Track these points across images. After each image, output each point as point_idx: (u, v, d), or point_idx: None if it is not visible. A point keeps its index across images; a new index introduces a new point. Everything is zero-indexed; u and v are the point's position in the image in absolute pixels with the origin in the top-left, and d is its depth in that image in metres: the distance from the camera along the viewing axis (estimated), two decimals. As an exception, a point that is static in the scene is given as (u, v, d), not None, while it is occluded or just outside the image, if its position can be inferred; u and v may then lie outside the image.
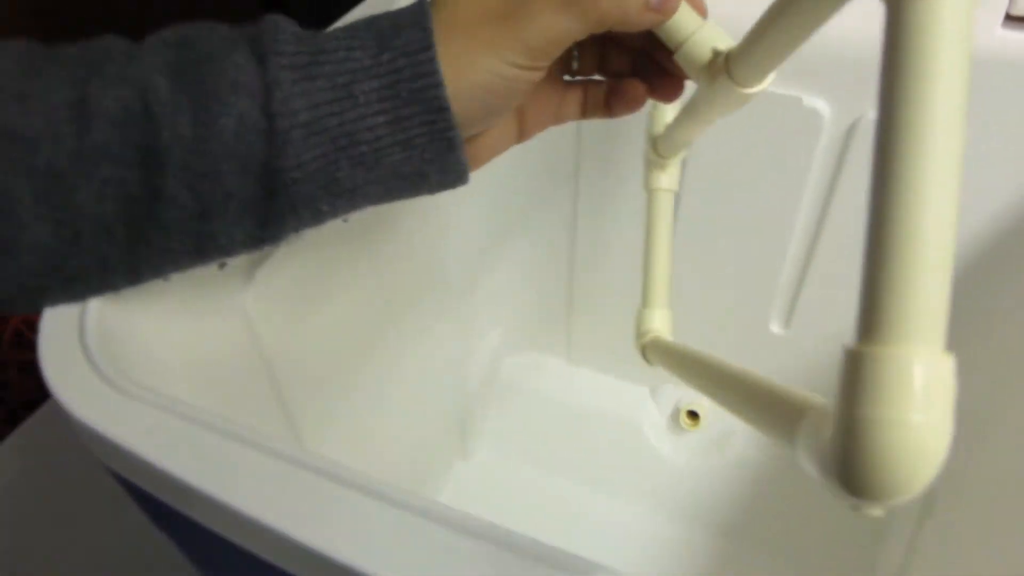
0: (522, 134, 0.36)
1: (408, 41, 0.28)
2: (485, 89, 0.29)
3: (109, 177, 0.27)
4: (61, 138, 0.27)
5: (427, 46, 0.28)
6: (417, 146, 0.29)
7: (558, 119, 0.37)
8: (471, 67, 0.29)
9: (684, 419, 0.74)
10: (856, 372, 0.18)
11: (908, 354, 0.17)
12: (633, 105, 0.37)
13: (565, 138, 0.63)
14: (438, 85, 0.28)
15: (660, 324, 0.47)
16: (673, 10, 0.31)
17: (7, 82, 0.27)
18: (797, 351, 0.65)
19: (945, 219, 0.17)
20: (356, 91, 0.28)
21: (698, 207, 0.61)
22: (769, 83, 0.32)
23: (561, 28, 0.29)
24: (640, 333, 0.48)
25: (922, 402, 0.17)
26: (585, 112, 0.38)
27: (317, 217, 0.30)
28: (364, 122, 0.28)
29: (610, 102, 0.37)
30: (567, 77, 0.37)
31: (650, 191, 0.48)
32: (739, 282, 0.64)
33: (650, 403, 0.78)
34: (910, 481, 0.17)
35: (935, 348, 0.17)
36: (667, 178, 0.47)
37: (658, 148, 0.46)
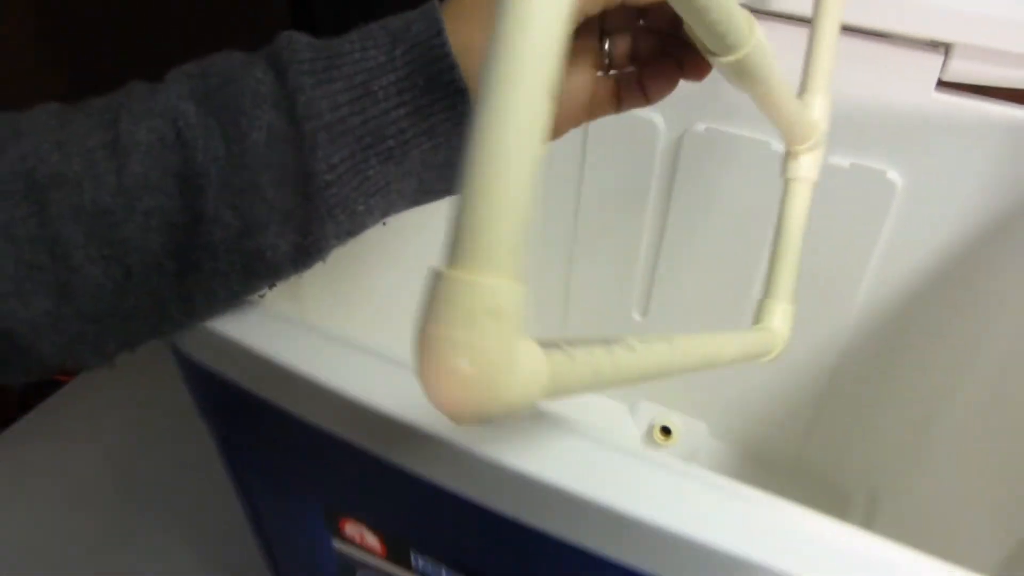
0: (555, 130, 0.35)
1: (419, 32, 0.29)
2: None
3: (152, 207, 0.28)
4: (102, 175, 0.28)
5: (437, 32, 0.29)
6: (441, 132, 0.30)
7: (592, 114, 0.37)
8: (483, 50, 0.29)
9: (657, 435, 0.79)
10: (427, 290, 0.18)
11: (466, 277, 0.18)
12: (667, 86, 0.36)
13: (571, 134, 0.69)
14: (452, 68, 0.29)
15: (781, 320, 0.42)
16: None
17: (45, 134, 0.28)
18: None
19: (510, 176, 0.18)
20: (375, 87, 0.29)
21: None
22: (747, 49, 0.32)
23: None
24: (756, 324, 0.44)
25: (465, 320, 0.18)
26: (620, 104, 0.37)
27: (354, 219, 0.30)
28: (387, 116, 0.29)
29: (646, 87, 0.36)
30: (601, 73, 0.37)
31: (783, 180, 0.45)
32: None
33: (629, 419, 0.83)
34: (465, 398, 0.18)
35: (496, 276, 0.18)
36: (795, 166, 0.43)
37: (785, 137, 0.43)
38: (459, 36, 0.29)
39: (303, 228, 0.30)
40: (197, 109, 0.28)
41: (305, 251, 0.31)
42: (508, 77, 0.17)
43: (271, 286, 0.32)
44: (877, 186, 0.55)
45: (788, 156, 0.43)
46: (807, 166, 0.42)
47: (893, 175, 0.54)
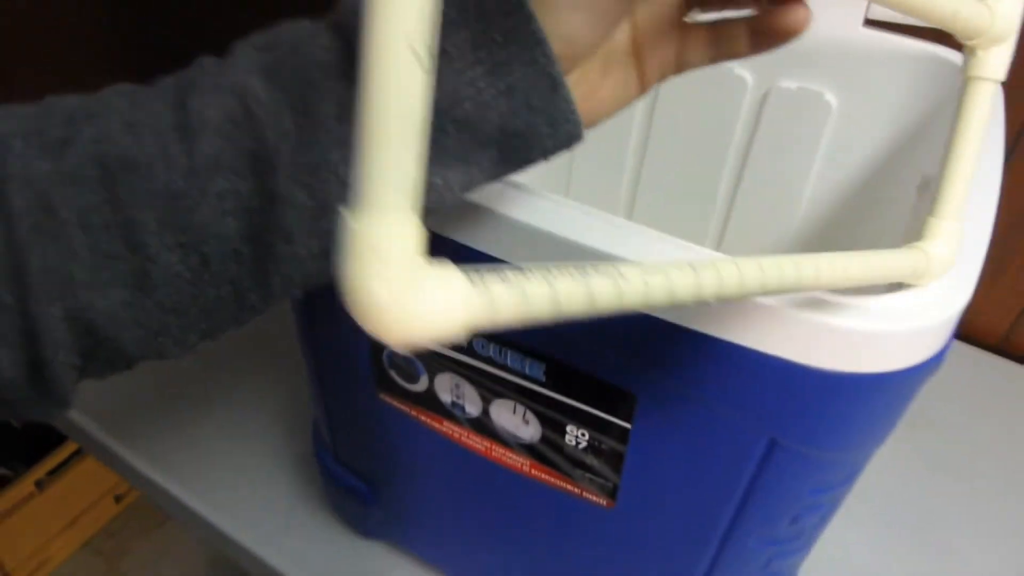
0: (642, 85, 0.33)
1: None
2: (569, 24, 0.27)
3: (225, 190, 0.27)
4: (173, 157, 0.27)
5: None
6: (520, 90, 0.27)
7: (681, 65, 0.34)
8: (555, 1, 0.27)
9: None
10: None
11: (364, 223, 0.18)
12: (792, 30, 0.32)
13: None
14: (531, 20, 0.26)
15: (945, 243, 0.33)
16: None
17: (116, 116, 0.27)
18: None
19: (395, 111, 0.17)
20: (448, 47, 0.26)
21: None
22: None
23: None
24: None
25: (360, 258, 0.18)
26: (717, 55, 0.34)
27: (431, 194, 0.28)
28: (462, 76, 0.27)
29: (758, 33, 0.33)
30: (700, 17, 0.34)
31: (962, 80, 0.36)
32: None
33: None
34: (378, 331, 0.18)
35: (379, 217, 0.18)
36: (973, 63, 0.34)
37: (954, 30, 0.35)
38: None
39: None
40: (265, 84, 0.27)
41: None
42: (376, 36, 0.17)
43: None
44: (817, 106, 0.65)
45: (965, 51, 0.35)
46: (985, 64, 0.34)
47: (830, 97, 0.65)
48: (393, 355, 0.47)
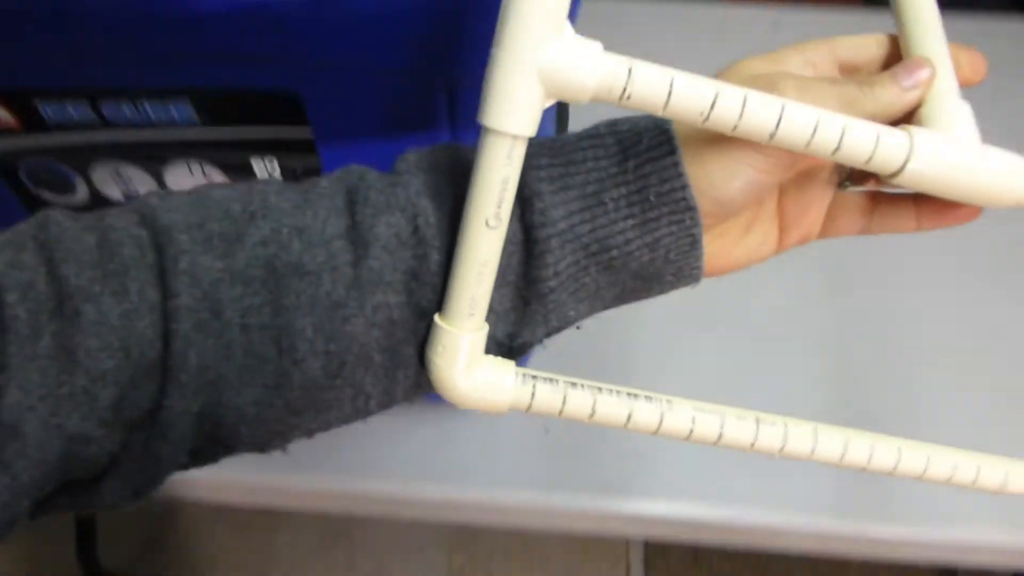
0: (780, 247, 0.34)
1: (651, 146, 0.28)
2: (725, 187, 0.28)
3: (380, 303, 0.28)
4: (340, 268, 0.27)
5: (672, 150, 0.28)
6: (663, 246, 0.29)
7: (827, 231, 0.34)
8: (712, 165, 0.28)
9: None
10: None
11: (440, 324, 0.28)
12: (957, 215, 0.31)
13: None
14: (685, 187, 0.28)
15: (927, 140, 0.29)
16: (930, 81, 0.29)
17: (284, 219, 0.28)
18: None
19: (474, 259, 0.27)
20: (605, 198, 0.28)
21: None
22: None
23: (809, 102, 0.27)
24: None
25: (438, 348, 0.28)
26: (871, 225, 0.33)
27: (563, 323, 0.30)
28: (615, 227, 0.28)
29: (920, 207, 0.32)
30: (841, 188, 0.33)
31: None
32: None
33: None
34: (442, 393, 0.29)
35: (453, 326, 0.28)
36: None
37: None
38: (689, 151, 0.28)
39: (514, 328, 0.30)
40: (433, 205, 0.28)
41: (508, 350, 0.31)
42: (469, 211, 0.27)
43: None
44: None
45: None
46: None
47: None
48: (30, 166, 0.40)
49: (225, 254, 0.27)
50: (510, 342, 0.30)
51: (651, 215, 0.28)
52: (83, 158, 0.39)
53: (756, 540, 0.61)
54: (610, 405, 0.28)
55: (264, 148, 0.38)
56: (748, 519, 0.59)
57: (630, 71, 0.25)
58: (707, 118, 0.25)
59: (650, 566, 1.32)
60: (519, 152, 0.26)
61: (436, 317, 0.28)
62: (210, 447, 0.29)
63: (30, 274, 0.26)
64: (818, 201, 0.33)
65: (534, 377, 0.28)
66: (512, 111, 0.25)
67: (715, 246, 0.31)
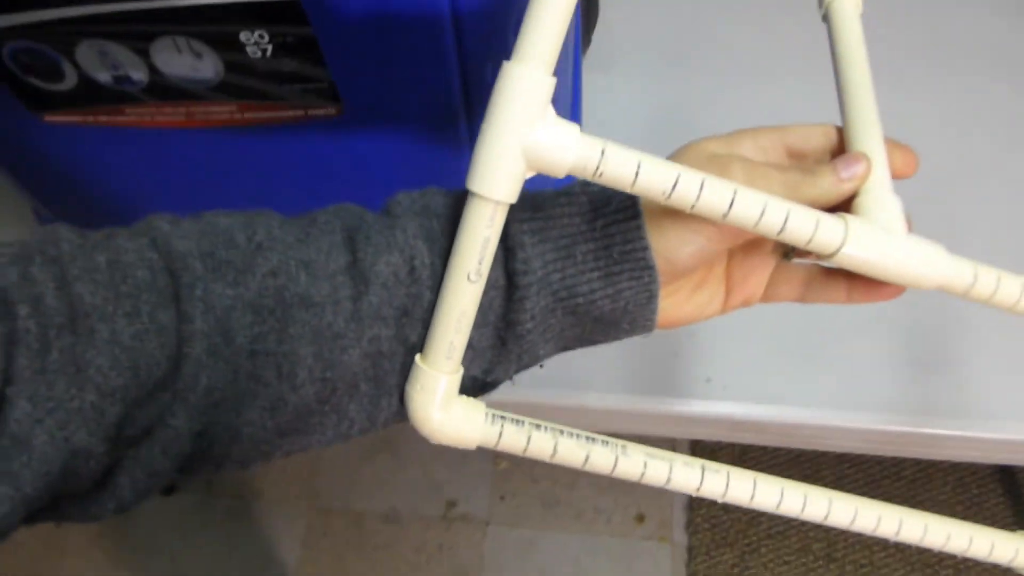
0: (724, 307, 0.36)
1: (618, 208, 0.32)
2: (680, 251, 0.32)
3: (375, 335, 0.30)
4: (342, 301, 0.30)
5: (636, 215, 0.31)
6: (623, 298, 0.32)
7: (768, 297, 0.37)
8: (670, 232, 0.32)
9: None
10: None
11: (420, 364, 0.30)
12: (885, 292, 0.33)
13: None
14: (646, 248, 0.31)
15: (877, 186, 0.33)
16: (865, 175, 0.32)
17: (289, 251, 0.30)
18: None
19: (454, 310, 0.30)
20: (576, 252, 0.31)
21: None
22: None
23: (756, 185, 0.30)
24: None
25: (417, 386, 0.30)
26: (807, 295, 0.36)
27: (532, 361, 0.34)
28: (582, 276, 0.32)
29: (852, 282, 0.34)
30: (785, 259, 0.36)
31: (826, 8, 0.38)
32: None
33: None
34: (418, 428, 0.31)
35: (431, 367, 0.30)
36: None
37: None
38: (650, 218, 0.32)
39: (489, 365, 0.33)
40: (427, 248, 0.31)
41: (482, 385, 0.33)
42: (452, 265, 0.29)
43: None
44: None
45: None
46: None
47: None
48: (15, 50, 0.37)
49: (236, 282, 0.29)
50: (484, 377, 0.33)
51: (614, 269, 0.32)
52: (67, 38, 0.37)
53: (805, 439, 0.59)
54: (570, 447, 0.31)
55: (252, 18, 0.35)
56: (795, 417, 0.56)
57: (603, 152, 0.28)
58: (669, 197, 0.28)
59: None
60: (501, 216, 0.29)
61: (417, 358, 0.31)
62: (199, 463, 0.30)
63: (40, 289, 0.26)
64: (761, 269, 0.36)
65: (503, 418, 0.31)
66: (497, 180, 0.28)
67: (668, 302, 0.34)
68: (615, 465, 0.31)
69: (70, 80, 0.40)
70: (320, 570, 1.31)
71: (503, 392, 0.37)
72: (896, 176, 0.33)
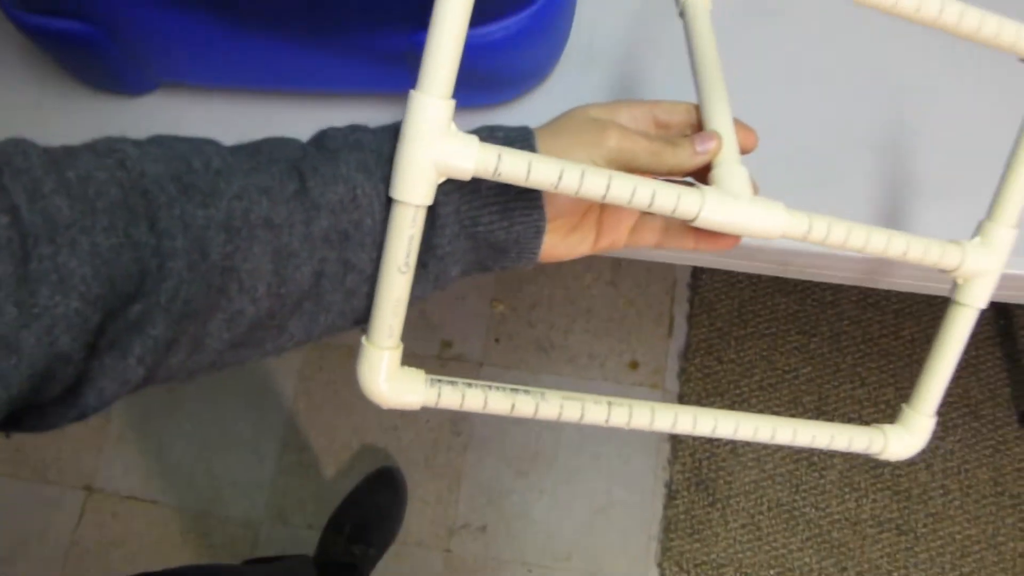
0: (594, 248, 0.42)
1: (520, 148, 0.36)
2: (561, 199, 0.38)
3: (325, 256, 0.34)
4: (296, 225, 0.33)
5: (532, 149, 0.37)
6: (515, 231, 0.37)
7: (631, 241, 0.43)
8: None
9: None
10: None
11: (365, 343, 0.35)
12: (725, 242, 0.40)
13: None
14: (538, 192, 0.37)
15: (741, 183, 0.38)
16: (717, 149, 0.38)
17: (247, 178, 0.33)
18: None
19: (389, 297, 0.35)
20: (481, 188, 0.36)
21: None
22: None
23: (627, 148, 0.37)
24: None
25: (365, 364, 0.35)
26: (664, 240, 0.43)
27: (444, 283, 0.38)
28: (484, 210, 0.37)
29: (699, 234, 0.41)
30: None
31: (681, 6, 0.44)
32: None
33: None
34: (368, 396, 0.36)
35: (374, 346, 0.35)
36: (960, 293, 0.42)
37: None
38: (548, 153, 0.36)
39: (412, 285, 0.36)
40: (366, 179, 0.34)
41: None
42: (385, 260, 0.35)
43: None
44: None
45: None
46: (967, 294, 0.43)
47: None
48: None
49: (205, 204, 0.31)
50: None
51: (511, 206, 0.37)
52: None
53: (799, 269, 0.57)
54: (498, 399, 0.36)
55: None
56: (802, 245, 0.54)
57: (499, 157, 0.33)
58: (557, 187, 0.34)
59: (694, 323, 1.31)
60: (421, 216, 0.34)
61: (363, 338, 0.36)
62: (160, 373, 0.33)
63: (16, 200, 0.28)
64: (627, 219, 0.42)
65: (439, 381, 0.36)
66: (414, 188, 0.33)
67: (547, 239, 0.39)
68: (536, 409, 0.36)
69: None
70: (315, 401, 1.33)
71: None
72: (743, 150, 0.39)
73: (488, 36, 0.49)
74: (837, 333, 1.28)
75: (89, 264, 0.28)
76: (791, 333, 1.29)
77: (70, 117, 0.59)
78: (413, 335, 1.35)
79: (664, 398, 1.28)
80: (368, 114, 0.45)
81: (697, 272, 1.32)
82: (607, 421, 0.37)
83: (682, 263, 0.62)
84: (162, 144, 0.33)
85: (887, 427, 0.42)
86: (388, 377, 0.35)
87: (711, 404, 1.27)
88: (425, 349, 1.34)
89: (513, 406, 0.36)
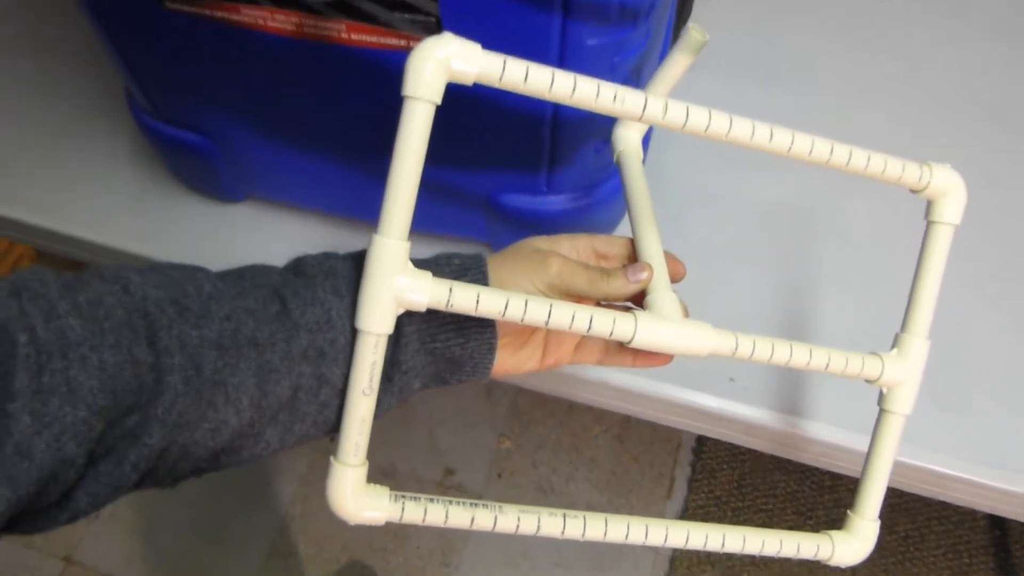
0: (540, 366, 0.46)
1: (472, 280, 0.40)
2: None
3: (300, 372, 0.37)
4: (278, 343, 0.36)
5: (483, 276, 0.40)
6: (470, 347, 0.41)
7: (575, 359, 0.46)
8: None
9: None
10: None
11: (333, 462, 0.38)
12: (660, 360, 0.44)
13: None
14: (493, 322, 0.41)
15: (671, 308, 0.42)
16: (648, 279, 0.42)
17: (235, 302, 0.36)
18: None
19: (356, 418, 0.38)
20: (442, 315, 0.39)
21: None
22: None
23: (566, 277, 0.41)
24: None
25: (333, 481, 0.37)
26: (605, 359, 0.46)
27: (407, 396, 0.41)
28: (443, 328, 0.40)
29: (636, 353, 0.44)
30: None
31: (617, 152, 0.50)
32: None
33: None
34: (336, 512, 0.38)
35: (342, 465, 0.37)
36: (936, 211, 0.43)
37: None
38: (499, 281, 0.41)
39: (377, 398, 0.39)
40: (339, 302, 0.38)
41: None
42: (351, 383, 0.38)
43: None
44: None
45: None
46: (943, 211, 0.44)
47: None
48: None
49: (199, 325, 0.35)
50: (376, 408, 0.40)
51: (465, 325, 0.40)
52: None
53: (814, 456, 0.60)
54: (458, 513, 0.38)
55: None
56: (809, 431, 0.58)
57: (451, 290, 0.36)
58: (503, 315, 0.37)
59: (694, 488, 1.32)
60: (383, 344, 0.37)
61: (332, 458, 0.38)
62: (147, 479, 0.35)
63: (33, 320, 0.31)
64: (570, 339, 0.46)
65: (403, 497, 0.38)
66: (376, 319, 0.37)
67: (499, 355, 0.42)
68: (495, 522, 0.38)
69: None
70: (311, 508, 1.34)
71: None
72: (673, 279, 0.44)
73: (548, 205, 0.55)
74: (833, 520, 1.29)
75: (97, 378, 0.32)
76: (787, 513, 1.30)
77: (165, 212, 0.66)
78: (419, 457, 1.37)
79: (656, 560, 1.28)
80: (420, 249, 0.51)
81: (702, 439, 1.34)
82: (563, 533, 0.39)
83: (689, 429, 0.66)
84: (160, 272, 0.37)
85: (834, 533, 0.44)
86: (353, 493, 0.38)
87: (702, 572, 1.26)
88: (428, 473, 1.35)
89: (473, 519, 0.38)
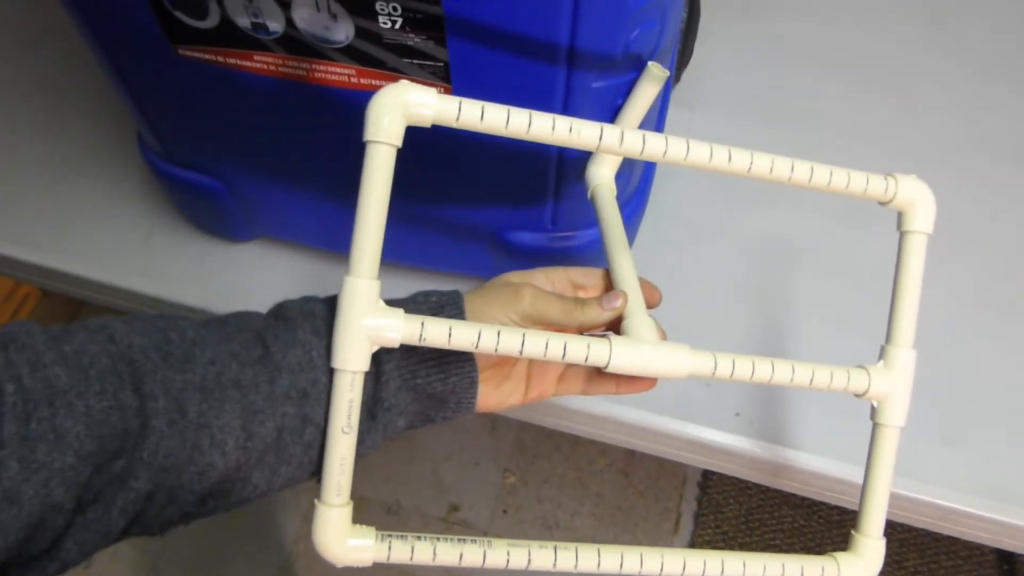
0: (524, 400, 0.46)
1: (449, 315, 0.40)
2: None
3: (283, 412, 0.38)
4: (261, 384, 0.37)
5: (460, 311, 0.41)
6: (451, 382, 0.41)
7: (559, 390, 0.47)
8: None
9: None
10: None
11: (319, 505, 0.38)
12: (643, 385, 0.45)
13: None
14: (473, 356, 0.41)
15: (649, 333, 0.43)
16: (623, 307, 0.43)
17: (218, 346, 0.37)
18: None
19: (338, 459, 0.38)
20: (423, 352, 0.41)
21: None
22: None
23: (540, 307, 0.41)
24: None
25: (319, 523, 0.38)
26: (588, 388, 0.46)
27: (392, 432, 0.42)
28: (422, 364, 0.41)
29: (619, 379, 0.45)
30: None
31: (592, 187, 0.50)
32: None
33: None
34: (323, 555, 0.38)
35: (327, 507, 0.37)
36: (907, 221, 0.43)
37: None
38: (475, 315, 0.41)
39: (362, 436, 0.40)
40: (318, 342, 0.39)
41: (358, 453, 0.40)
42: (330, 422, 0.38)
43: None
44: None
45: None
46: (914, 221, 0.44)
47: None
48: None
49: (183, 369, 0.36)
50: (359, 447, 0.40)
51: (445, 360, 0.41)
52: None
53: (820, 491, 0.60)
54: (446, 550, 0.38)
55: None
56: (814, 466, 0.58)
57: (423, 325, 0.37)
58: (477, 346, 0.37)
59: (700, 523, 1.31)
60: (359, 381, 0.38)
61: (316, 500, 0.38)
62: (135, 525, 0.36)
63: (19, 371, 0.32)
64: (553, 371, 0.46)
65: (390, 536, 0.38)
66: (351, 357, 0.37)
67: (481, 389, 0.43)
68: (484, 557, 0.38)
69: (212, 19, 0.43)
70: (312, 546, 1.33)
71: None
72: (649, 305, 0.44)
73: (554, 242, 0.56)
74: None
75: (83, 423, 0.32)
76: (795, 548, 1.29)
77: (173, 250, 0.67)
78: (423, 493, 1.36)
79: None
80: (425, 286, 0.51)
81: (708, 473, 1.34)
82: (555, 566, 0.39)
83: (694, 464, 0.66)
84: (145, 320, 0.37)
85: (839, 554, 0.43)
86: (338, 534, 0.38)
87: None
88: (433, 510, 1.35)
89: (461, 555, 0.38)
